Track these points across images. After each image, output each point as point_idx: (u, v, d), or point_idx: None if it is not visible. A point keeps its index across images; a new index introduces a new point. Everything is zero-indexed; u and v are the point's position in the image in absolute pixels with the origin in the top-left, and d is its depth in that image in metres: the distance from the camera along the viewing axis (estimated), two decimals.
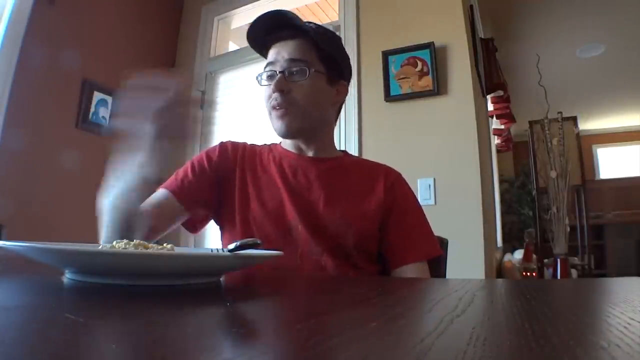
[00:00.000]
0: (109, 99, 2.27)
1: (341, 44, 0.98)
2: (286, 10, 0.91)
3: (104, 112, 2.25)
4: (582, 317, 0.29)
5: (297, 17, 0.90)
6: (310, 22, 0.92)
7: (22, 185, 1.86)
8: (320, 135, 0.96)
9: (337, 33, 2.32)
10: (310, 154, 0.95)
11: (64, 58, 2.04)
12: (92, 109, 2.19)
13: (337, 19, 2.36)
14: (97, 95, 2.21)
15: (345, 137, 2.07)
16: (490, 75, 2.65)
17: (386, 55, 2.05)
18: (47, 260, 0.44)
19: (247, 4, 2.62)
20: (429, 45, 1.96)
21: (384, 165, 1.00)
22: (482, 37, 2.71)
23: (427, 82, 1.95)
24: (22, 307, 0.29)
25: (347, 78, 0.99)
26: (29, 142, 1.90)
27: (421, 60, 1.98)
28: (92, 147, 2.18)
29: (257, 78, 0.93)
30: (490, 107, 3.36)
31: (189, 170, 0.93)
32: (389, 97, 2.01)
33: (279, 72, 0.88)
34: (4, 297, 0.35)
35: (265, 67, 0.92)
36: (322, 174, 0.92)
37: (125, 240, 0.48)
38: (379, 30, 2.14)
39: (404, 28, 2.07)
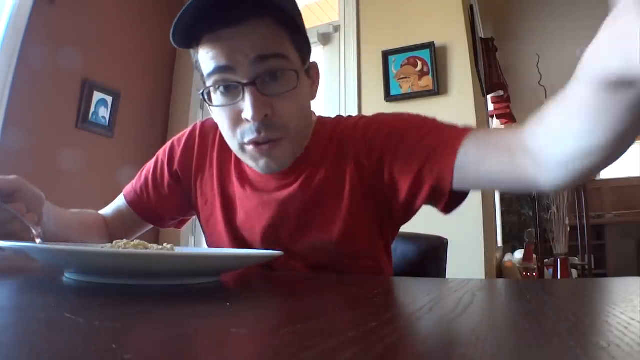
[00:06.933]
0: (109, 99, 2.27)
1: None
2: None
3: (104, 112, 2.25)
4: (582, 317, 0.29)
5: None
6: None
7: None
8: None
9: (337, 33, 2.33)
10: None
11: (64, 57, 2.04)
12: (92, 109, 2.19)
13: (337, 19, 2.36)
14: (97, 95, 2.21)
15: None
16: (490, 75, 2.65)
17: (386, 55, 2.05)
18: (47, 260, 0.44)
19: None
20: (429, 45, 1.96)
21: (350, 128, 0.70)
22: (482, 37, 2.71)
23: (427, 82, 1.95)
24: (22, 307, 0.29)
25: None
26: (29, 142, 1.90)
27: (421, 60, 1.98)
28: (92, 147, 2.19)
29: (202, 95, 0.63)
30: (491, 107, 3.36)
31: (151, 186, 0.79)
32: (389, 97, 2.01)
33: (247, 82, 0.57)
34: (4, 297, 0.35)
35: (211, 74, 0.59)
36: (280, 199, 0.68)
37: (125, 240, 0.48)
38: (379, 30, 2.14)
39: (404, 28, 2.07)
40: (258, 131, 0.59)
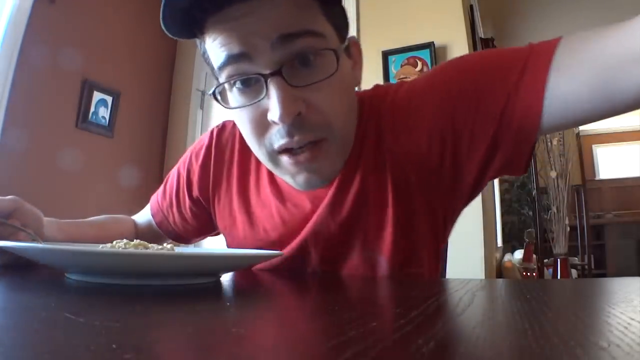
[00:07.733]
0: (109, 99, 2.27)
1: None
2: None
3: (103, 112, 2.25)
4: (582, 317, 0.29)
5: None
6: None
7: (22, 185, 1.86)
8: None
9: None
10: None
11: (64, 58, 2.04)
12: (92, 109, 2.19)
13: None
14: (97, 95, 2.22)
15: None
16: None
17: (386, 55, 2.05)
18: (47, 260, 0.44)
19: None
20: (429, 45, 1.96)
21: (387, 108, 0.57)
22: (482, 37, 2.71)
23: None
24: (22, 307, 0.29)
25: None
26: (29, 142, 1.90)
27: (421, 60, 1.98)
28: (92, 147, 2.19)
29: (214, 95, 0.49)
30: None
31: (175, 210, 0.73)
32: None
33: (270, 73, 0.44)
34: (4, 297, 0.35)
35: (223, 66, 0.46)
36: (318, 212, 0.57)
37: (125, 240, 0.48)
38: (379, 30, 2.14)
39: (404, 28, 2.07)
40: (289, 134, 0.45)
